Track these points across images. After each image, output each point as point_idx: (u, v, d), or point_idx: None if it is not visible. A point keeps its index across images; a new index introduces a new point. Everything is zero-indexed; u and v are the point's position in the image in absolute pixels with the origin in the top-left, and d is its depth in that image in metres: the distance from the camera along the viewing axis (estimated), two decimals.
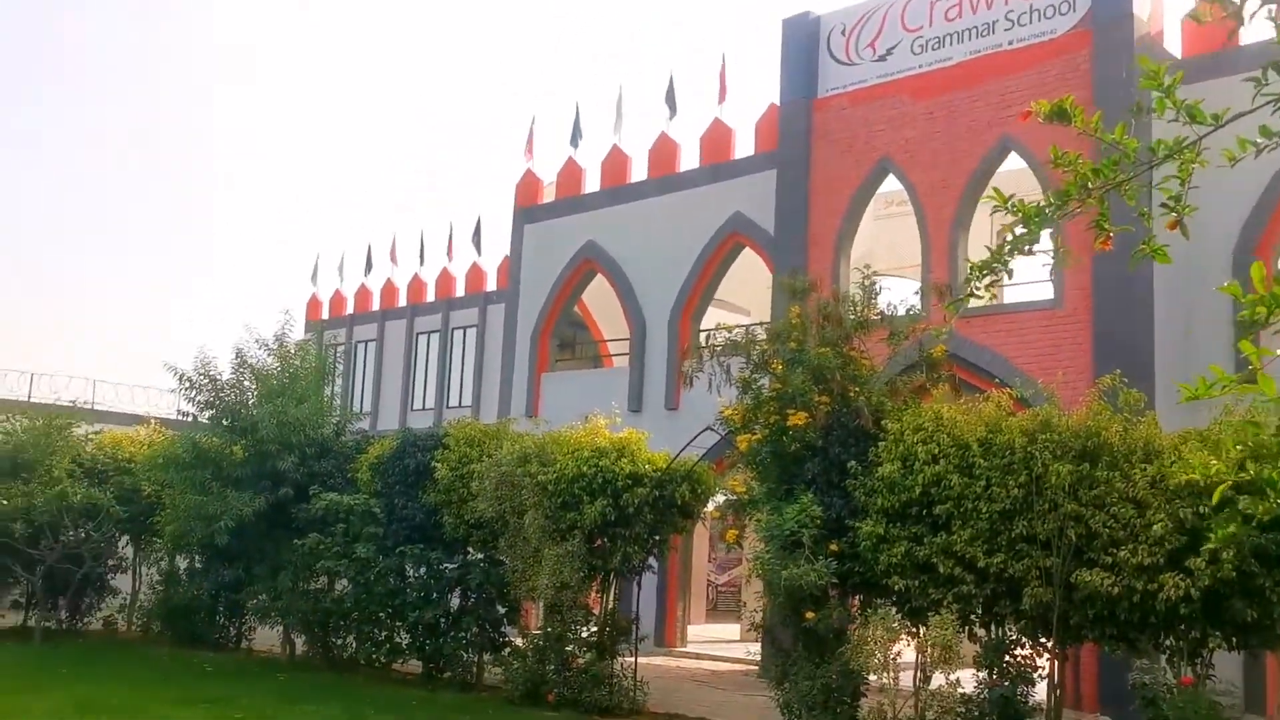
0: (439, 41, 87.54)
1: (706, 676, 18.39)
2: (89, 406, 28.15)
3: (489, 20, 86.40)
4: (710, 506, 15.53)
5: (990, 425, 10.97)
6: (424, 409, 30.11)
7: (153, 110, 77.44)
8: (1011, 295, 17.39)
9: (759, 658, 19.14)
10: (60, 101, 73.56)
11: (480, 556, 16.02)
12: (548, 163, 26.56)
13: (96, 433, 22.49)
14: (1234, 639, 9.62)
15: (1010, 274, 4.48)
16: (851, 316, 12.33)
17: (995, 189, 4.49)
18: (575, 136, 25.36)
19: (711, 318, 22.99)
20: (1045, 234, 4.46)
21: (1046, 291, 16.91)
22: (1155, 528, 9.44)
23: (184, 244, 74.05)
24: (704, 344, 13.63)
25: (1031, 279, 18.19)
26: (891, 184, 19.47)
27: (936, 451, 11.03)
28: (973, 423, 11.09)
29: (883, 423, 11.73)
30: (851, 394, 12.05)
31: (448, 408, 29.34)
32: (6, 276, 64.09)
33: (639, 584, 15.21)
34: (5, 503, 18.86)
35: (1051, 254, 5.28)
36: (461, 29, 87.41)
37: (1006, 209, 4.27)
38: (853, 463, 11.65)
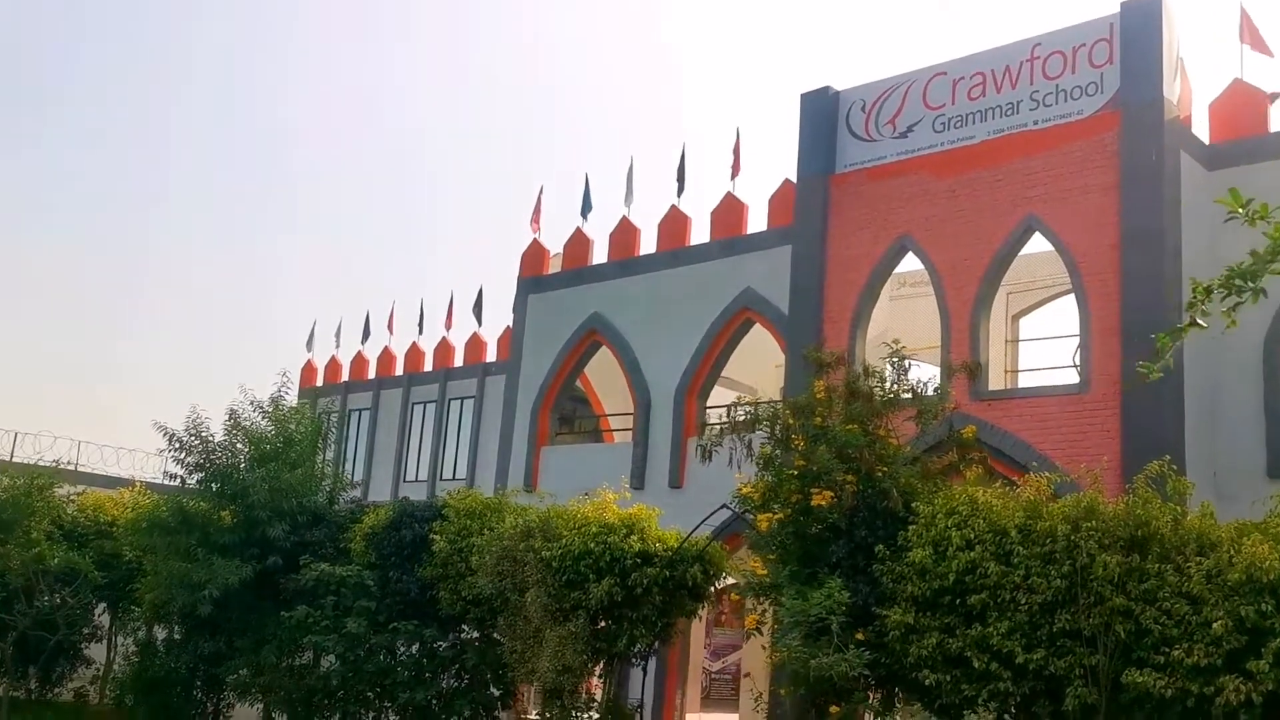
0: (444, 107, 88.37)
1: None
2: (72, 468, 27.39)
3: (496, 87, 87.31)
4: (713, 588, 14.75)
5: (1030, 511, 10.39)
6: (418, 480, 29.40)
7: (153, 166, 77.69)
8: (1032, 379, 16.95)
9: None
10: (53, 148, 73.76)
11: (476, 635, 15.24)
12: (554, 233, 26.26)
13: (79, 494, 21.74)
14: None
15: (1260, 295, 3.92)
16: (879, 393, 11.80)
17: (1233, 190, 3.96)
18: (585, 207, 25.09)
19: (717, 395, 22.51)
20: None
21: (1070, 376, 16.45)
22: (1215, 626, 8.81)
23: (178, 307, 73.63)
24: (725, 417, 13.05)
25: (1052, 363, 17.86)
26: (907, 264, 19.14)
27: (971, 537, 10.42)
28: (1011, 508, 10.50)
29: (913, 505, 11.14)
30: (879, 474, 11.48)
31: (442, 479, 28.64)
32: None
33: (646, 669, 14.40)
34: None
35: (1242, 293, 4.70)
36: (469, 96, 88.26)
37: (1242, 212, 3.73)
38: (880, 546, 11.03)
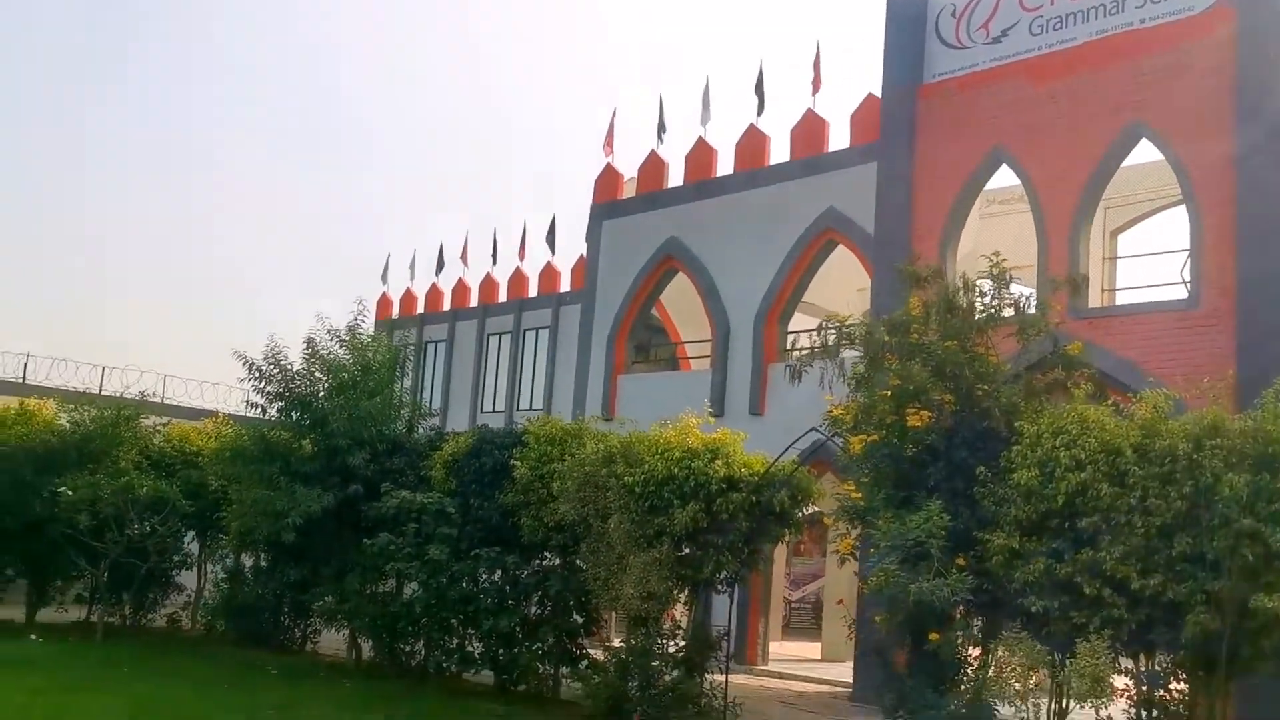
0: (514, 33, 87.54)
1: (793, 698, 17.23)
2: (158, 400, 27.78)
3: (570, 11, 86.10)
4: (801, 514, 14.28)
5: (1146, 430, 9.73)
6: (494, 410, 29.28)
7: (234, 100, 78.32)
8: (1136, 296, 16.07)
9: (850, 680, 18.01)
10: (137, 96, 74.63)
11: (558, 562, 15.04)
12: (629, 158, 25.62)
13: (165, 425, 21.97)
14: None
15: None
16: (980, 307, 11.14)
17: None
18: (660, 129, 24.44)
19: (797, 322, 21.91)
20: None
21: (1177, 293, 15.56)
22: None
23: (256, 241, 74.59)
24: (815, 337, 12.51)
25: (1152, 281, 16.92)
26: (996, 181, 18.24)
27: (1082, 457, 9.82)
28: (1125, 426, 9.86)
29: (1016, 425, 10.53)
30: (979, 392, 10.87)
31: (518, 410, 28.47)
32: (83, 269, 64.92)
33: (732, 597, 14.08)
34: (71, 493, 18.27)
35: None
36: (544, 17, 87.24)
37: None
38: (981, 468, 10.46)
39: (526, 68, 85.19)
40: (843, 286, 22.20)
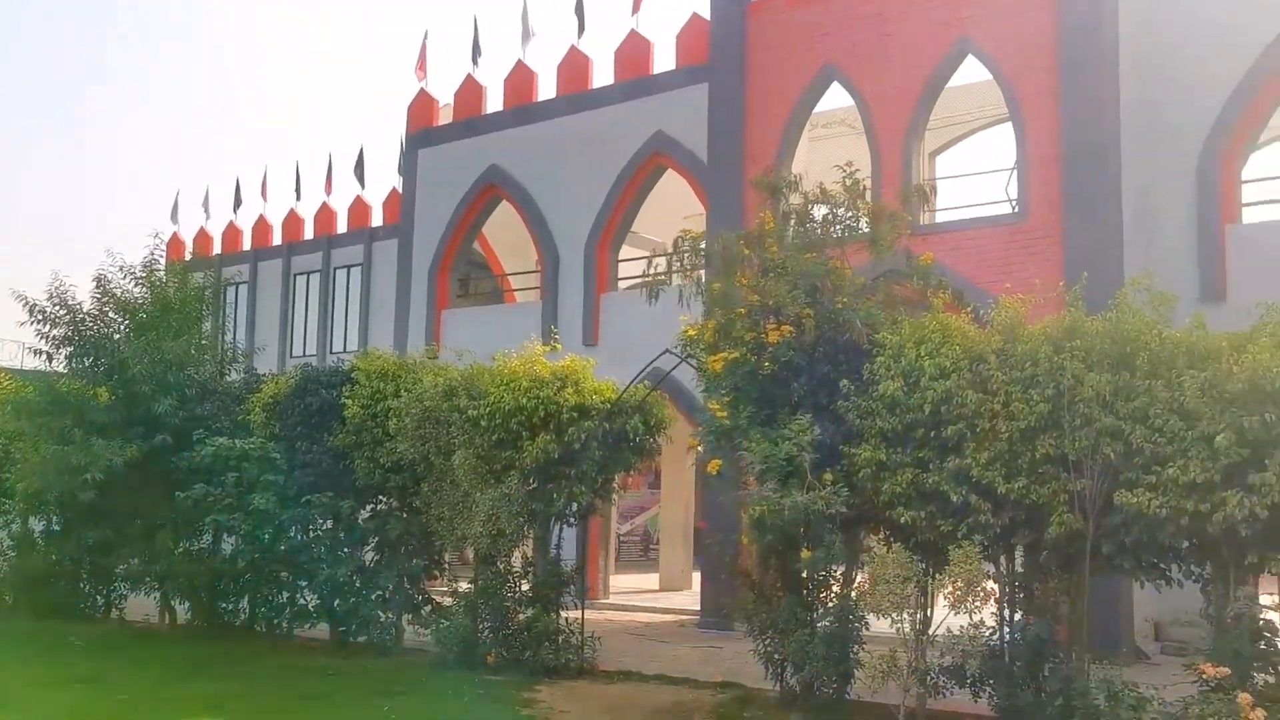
0: None
1: (640, 629, 17.01)
2: None
3: None
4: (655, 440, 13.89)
5: (1007, 334, 9.73)
6: (305, 355, 27.64)
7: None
8: (966, 212, 16.33)
9: (694, 608, 17.96)
10: None
11: (397, 504, 14.18)
12: (443, 82, 24.35)
13: None
14: None
15: None
16: (838, 218, 10.91)
17: None
18: (475, 52, 23.30)
19: (624, 252, 21.46)
20: None
21: (1001, 209, 15.89)
22: (1218, 439, 8.33)
23: (30, 180, 68.17)
24: (672, 250, 12.02)
25: (973, 200, 17.24)
26: (824, 104, 18.17)
27: (946, 365, 9.74)
28: (987, 333, 9.84)
29: (877, 337, 10.37)
30: (839, 305, 10.66)
31: (331, 352, 26.99)
32: None
33: (585, 530, 13.63)
34: None
35: None
36: None
37: None
38: (845, 382, 10.27)
39: None
40: (669, 213, 21.84)
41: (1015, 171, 15.40)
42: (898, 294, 10.99)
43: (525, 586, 12.97)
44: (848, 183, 11.30)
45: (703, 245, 11.68)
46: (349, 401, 13.82)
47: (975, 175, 18.45)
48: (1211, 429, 8.46)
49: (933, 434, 9.76)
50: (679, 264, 11.69)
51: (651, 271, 11.59)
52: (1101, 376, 9.05)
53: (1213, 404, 8.57)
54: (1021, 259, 14.78)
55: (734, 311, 11.03)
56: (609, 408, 12.59)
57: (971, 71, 16.73)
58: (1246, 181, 15.22)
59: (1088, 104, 14.49)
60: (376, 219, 27.13)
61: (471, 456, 12.73)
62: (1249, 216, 15.13)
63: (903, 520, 9.74)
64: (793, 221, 11.10)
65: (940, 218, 18.16)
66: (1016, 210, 15.21)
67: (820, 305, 10.65)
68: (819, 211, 11.24)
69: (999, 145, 15.78)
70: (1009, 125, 15.92)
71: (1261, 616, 8.40)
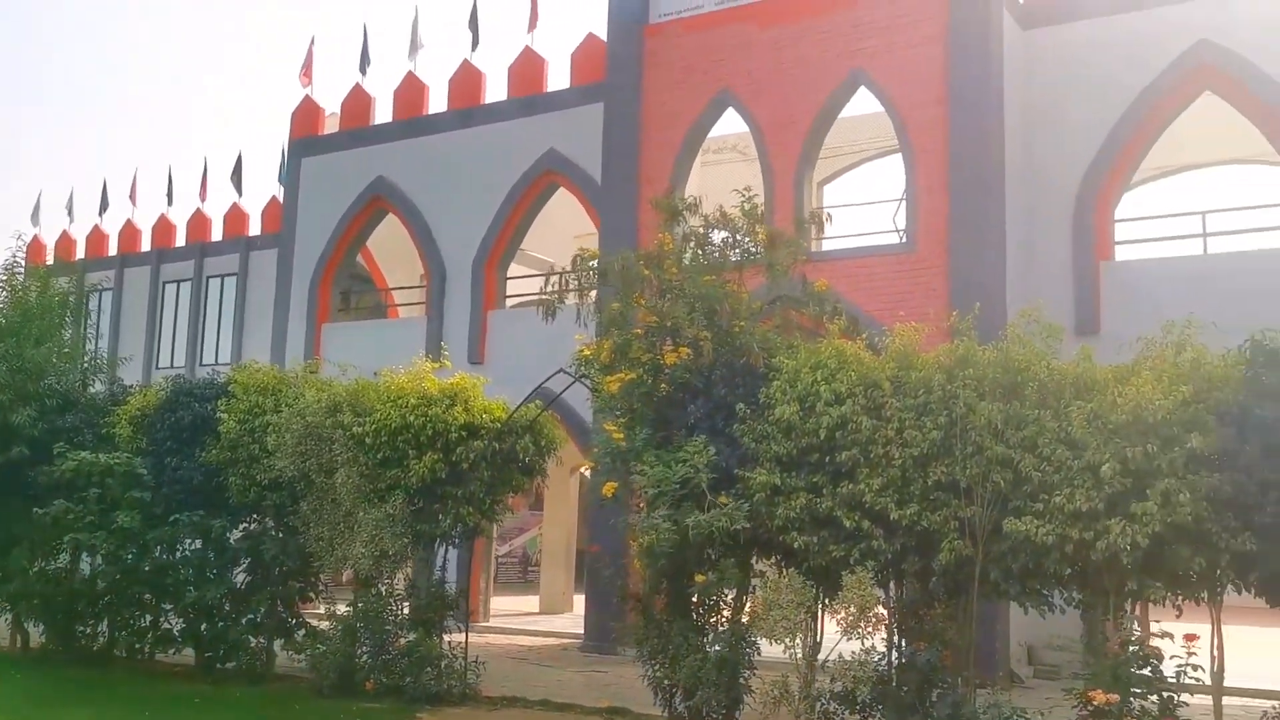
0: None
1: (523, 653, 16.68)
2: None
3: None
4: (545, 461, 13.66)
5: (901, 362, 9.85)
6: (173, 366, 26.48)
7: None
8: (858, 242, 16.61)
9: (576, 631, 17.73)
10: None
11: (272, 524, 13.60)
12: (330, 90, 23.77)
13: None
14: (1173, 590, 8.87)
15: None
16: (738, 241, 10.92)
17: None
18: (364, 61, 22.81)
19: (513, 271, 21.22)
20: None
21: (891, 239, 16.21)
22: (1103, 469, 8.55)
23: None
24: (571, 268, 11.84)
25: (860, 230, 17.57)
26: (718, 129, 18.30)
27: (842, 391, 9.80)
28: (882, 360, 9.94)
29: (773, 360, 10.38)
30: (737, 329, 10.64)
31: (201, 364, 25.93)
32: None
33: (470, 551, 13.29)
34: None
35: None
36: None
37: None
38: (741, 405, 10.25)
39: None
40: (558, 233, 21.70)
41: (903, 202, 15.73)
42: (794, 319, 11.03)
43: (407, 610, 12.57)
44: (745, 207, 11.33)
45: (595, 265, 11.54)
46: (225, 415, 13.22)
47: (863, 205, 18.82)
48: (1097, 458, 8.69)
49: (827, 459, 9.79)
50: (575, 283, 11.48)
51: (547, 290, 11.33)
52: (993, 405, 9.23)
53: (1098, 434, 8.82)
54: (909, 288, 15.07)
55: (631, 332, 10.92)
56: (499, 427, 12.33)
57: (862, 103, 17.09)
58: (1120, 220, 15.87)
59: (975, 139, 14.91)
60: (254, 228, 26.24)
61: (355, 475, 12.31)
62: (1121, 254, 15.78)
63: (796, 545, 9.73)
64: (691, 244, 11.07)
65: (828, 245, 18.49)
66: (905, 240, 15.52)
67: (718, 328, 10.62)
68: (718, 235, 11.22)
69: (883, 178, 16.11)
70: (893, 158, 16.30)
71: (1146, 642, 8.61)
